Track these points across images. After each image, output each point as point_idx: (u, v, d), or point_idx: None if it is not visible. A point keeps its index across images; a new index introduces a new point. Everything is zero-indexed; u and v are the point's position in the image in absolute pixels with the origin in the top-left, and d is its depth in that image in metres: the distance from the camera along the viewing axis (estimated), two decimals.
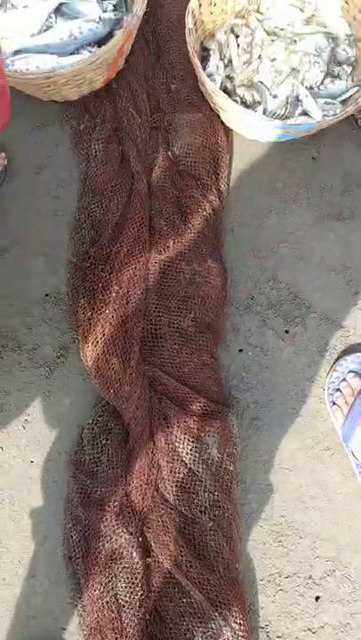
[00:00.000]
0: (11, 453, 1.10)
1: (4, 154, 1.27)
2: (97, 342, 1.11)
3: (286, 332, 1.20)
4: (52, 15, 1.26)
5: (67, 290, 1.20)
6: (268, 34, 1.28)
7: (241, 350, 1.19)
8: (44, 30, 1.25)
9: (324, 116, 1.21)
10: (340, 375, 1.14)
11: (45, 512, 1.07)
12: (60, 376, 1.15)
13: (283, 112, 1.22)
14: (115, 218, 1.20)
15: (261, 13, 1.34)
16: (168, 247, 1.18)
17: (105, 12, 1.29)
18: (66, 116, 1.34)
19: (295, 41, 1.27)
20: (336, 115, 1.17)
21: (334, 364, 1.16)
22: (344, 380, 1.13)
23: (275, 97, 1.23)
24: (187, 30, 1.19)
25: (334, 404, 1.12)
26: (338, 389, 1.13)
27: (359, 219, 1.28)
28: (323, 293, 1.23)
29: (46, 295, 1.21)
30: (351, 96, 1.23)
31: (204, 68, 1.27)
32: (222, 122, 1.31)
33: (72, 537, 1.02)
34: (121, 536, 0.99)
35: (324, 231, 1.27)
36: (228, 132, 1.33)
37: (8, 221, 1.26)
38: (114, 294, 1.14)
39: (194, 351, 1.13)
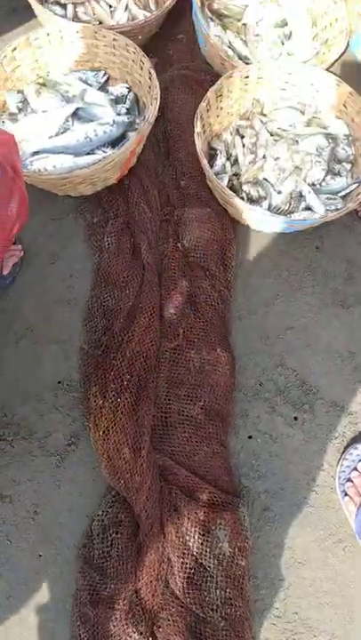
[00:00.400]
0: (19, 546, 1.08)
1: (20, 246, 1.33)
2: (108, 431, 1.12)
3: (295, 418, 1.21)
4: (70, 118, 1.36)
5: (79, 377, 1.22)
6: (272, 134, 1.37)
7: (250, 437, 1.19)
8: (62, 132, 1.34)
9: (327, 210, 1.27)
10: (350, 464, 1.14)
11: (53, 609, 1.04)
12: (70, 464, 1.15)
13: (287, 207, 1.28)
14: (126, 307, 1.24)
15: (265, 115, 1.44)
16: (178, 336, 1.21)
17: (119, 115, 1.39)
18: (80, 209, 1.40)
19: (297, 141, 1.36)
20: (338, 210, 1.23)
21: (344, 452, 1.16)
22: (355, 469, 1.13)
23: (279, 193, 1.30)
24: (195, 134, 1.27)
25: (346, 494, 1.11)
26: (349, 479, 1.12)
27: None
28: (330, 379, 1.24)
29: (58, 382, 1.23)
30: (351, 192, 1.30)
31: (212, 167, 1.34)
32: (229, 215, 1.37)
33: (80, 636, 0.99)
34: (131, 636, 0.96)
35: (329, 318, 1.31)
36: (235, 224, 1.39)
37: (23, 310, 1.30)
38: (125, 382, 1.15)
39: (204, 439, 1.14)
